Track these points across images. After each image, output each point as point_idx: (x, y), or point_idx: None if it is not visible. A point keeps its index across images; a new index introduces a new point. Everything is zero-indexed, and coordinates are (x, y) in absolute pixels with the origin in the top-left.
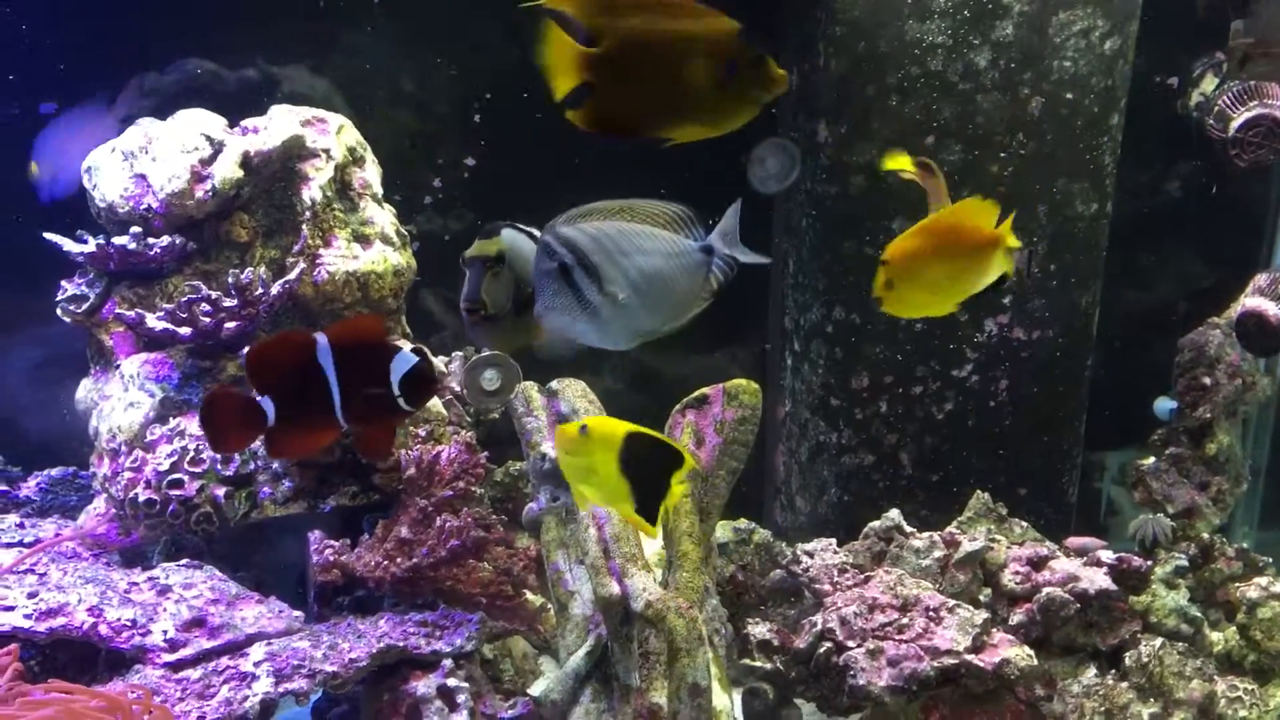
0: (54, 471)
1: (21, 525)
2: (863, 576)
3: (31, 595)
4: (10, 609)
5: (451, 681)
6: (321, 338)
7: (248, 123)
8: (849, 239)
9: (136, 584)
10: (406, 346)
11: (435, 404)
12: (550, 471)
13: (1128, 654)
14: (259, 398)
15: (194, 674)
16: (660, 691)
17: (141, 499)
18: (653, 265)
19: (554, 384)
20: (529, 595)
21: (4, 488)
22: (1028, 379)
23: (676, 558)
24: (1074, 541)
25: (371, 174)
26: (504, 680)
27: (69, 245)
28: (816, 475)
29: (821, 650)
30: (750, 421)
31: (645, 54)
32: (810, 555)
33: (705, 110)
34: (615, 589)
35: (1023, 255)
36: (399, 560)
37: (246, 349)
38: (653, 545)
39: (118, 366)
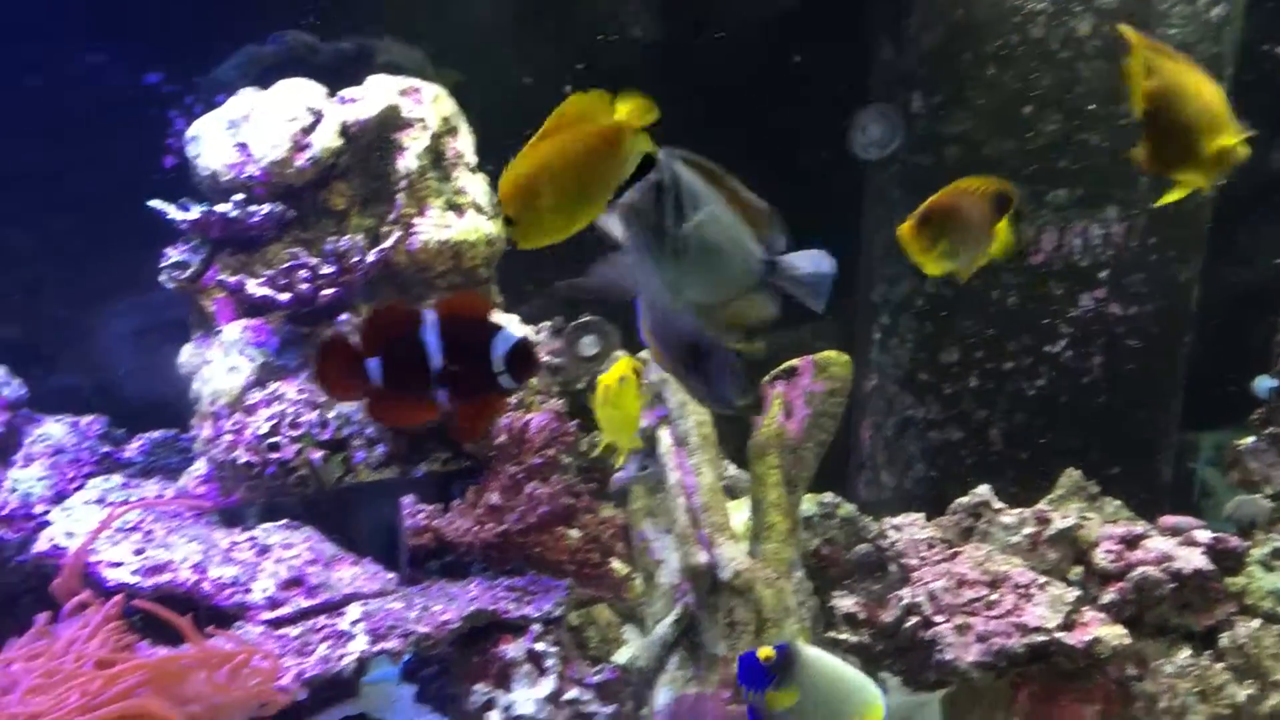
0: (156, 434)
1: (126, 485)
2: (950, 552)
3: (138, 552)
4: (118, 565)
5: (540, 646)
6: (430, 313)
7: (346, 93)
8: None
9: (237, 543)
10: (512, 320)
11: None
12: (644, 438)
13: (1223, 635)
14: (367, 361)
15: (293, 631)
16: None
17: (241, 461)
18: (721, 239)
19: (645, 353)
20: (615, 564)
21: (108, 449)
22: (1124, 355)
23: (764, 529)
24: (1168, 520)
25: (465, 143)
26: (589, 647)
27: (173, 212)
28: (903, 450)
29: (908, 624)
30: (840, 394)
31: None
32: (897, 530)
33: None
34: (703, 558)
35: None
36: (489, 526)
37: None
38: (740, 516)
39: (218, 332)
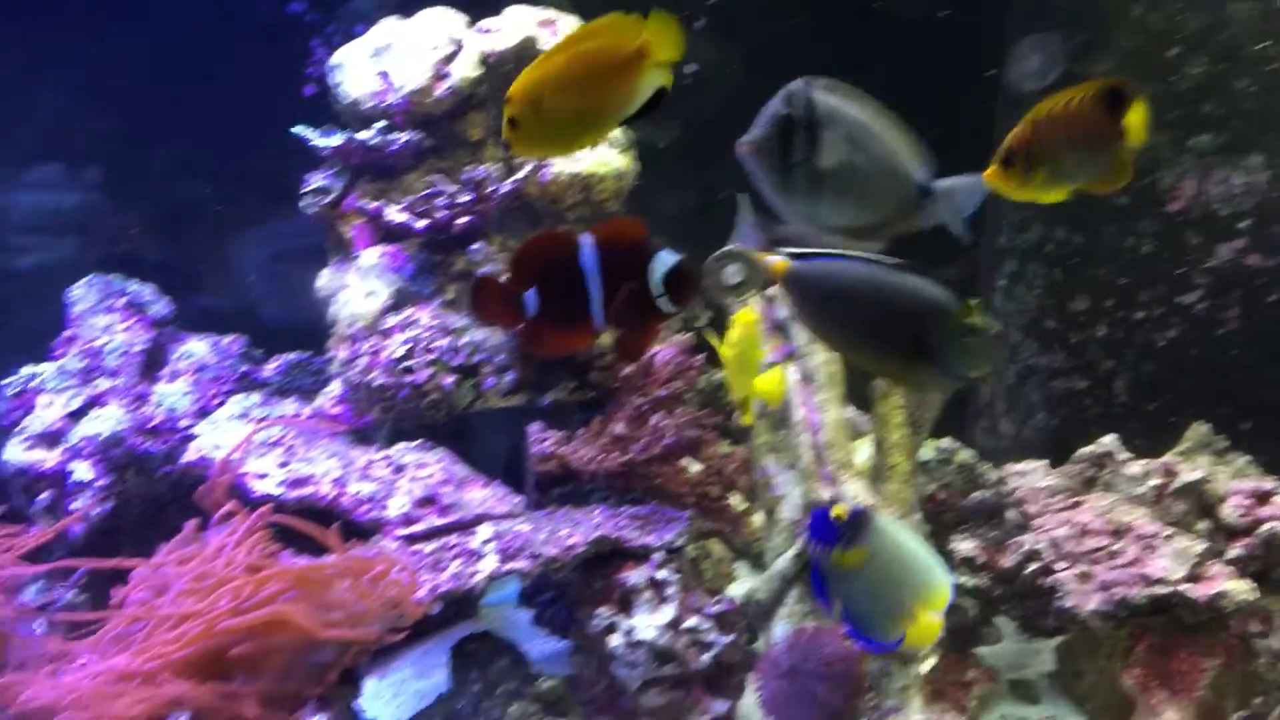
0: (291, 356)
1: (265, 403)
2: (1073, 501)
3: (282, 465)
4: (263, 477)
5: (661, 574)
6: (586, 237)
7: (485, 23)
8: None
9: (374, 461)
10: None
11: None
12: None
13: None
14: (524, 293)
15: (427, 548)
16: None
17: (377, 383)
18: (868, 168)
19: (772, 290)
20: (733, 499)
21: (247, 368)
22: (1262, 308)
23: (886, 469)
24: None
25: None
26: (704, 580)
27: (316, 139)
28: (1024, 398)
29: (1029, 570)
30: None
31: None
32: (1019, 476)
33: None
34: (826, 494)
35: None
36: (613, 455)
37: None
38: (861, 456)
39: (356, 258)
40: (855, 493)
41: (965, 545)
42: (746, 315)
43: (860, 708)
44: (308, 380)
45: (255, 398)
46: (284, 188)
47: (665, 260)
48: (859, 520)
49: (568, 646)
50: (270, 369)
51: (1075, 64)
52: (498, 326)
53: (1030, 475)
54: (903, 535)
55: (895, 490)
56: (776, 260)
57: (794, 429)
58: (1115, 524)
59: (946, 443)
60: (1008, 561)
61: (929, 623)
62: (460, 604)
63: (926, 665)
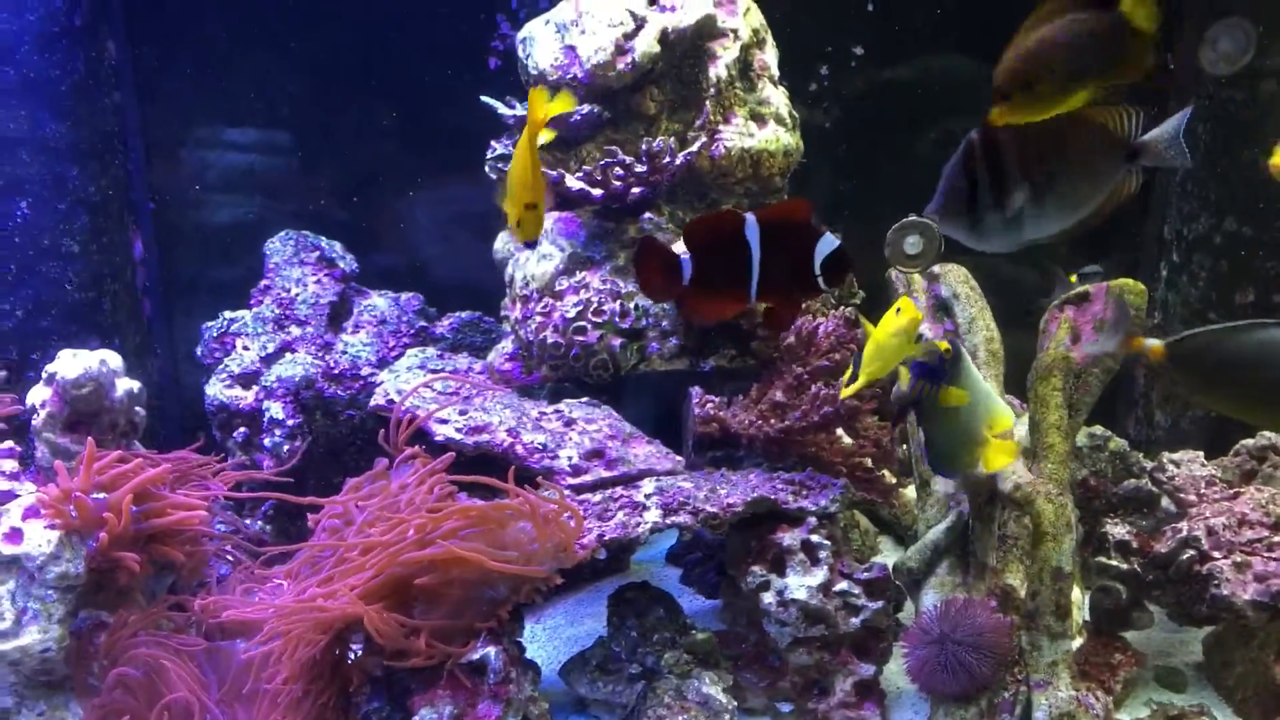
0: (464, 314)
1: (441, 356)
2: (1231, 492)
3: (462, 413)
4: (444, 422)
5: (815, 537)
6: (751, 215)
7: (665, 0)
8: (1250, 147)
9: (545, 414)
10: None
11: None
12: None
13: None
14: (682, 255)
15: (594, 498)
16: (1015, 574)
17: (549, 341)
18: (1070, 182)
19: (936, 268)
20: (885, 472)
21: (423, 324)
22: None
23: (1042, 449)
24: None
25: (770, 56)
26: (852, 548)
27: (501, 108)
28: None
29: (1184, 557)
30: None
31: None
32: (1176, 465)
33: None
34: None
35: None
36: (772, 421)
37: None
38: (1018, 434)
39: None
40: (1013, 469)
41: (1118, 530)
42: (909, 308)
43: (1006, 679)
44: (478, 338)
45: (431, 351)
46: (460, 155)
47: (829, 242)
48: (957, 357)
49: (713, 606)
50: (444, 325)
51: (1255, 55)
52: (655, 286)
53: (1186, 465)
54: (973, 371)
55: (1051, 470)
56: (1152, 344)
57: None
58: (1276, 515)
59: (1099, 430)
60: (1162, 547)
61: (1001, 444)
62: (613, 556)
63: (1076, 643)
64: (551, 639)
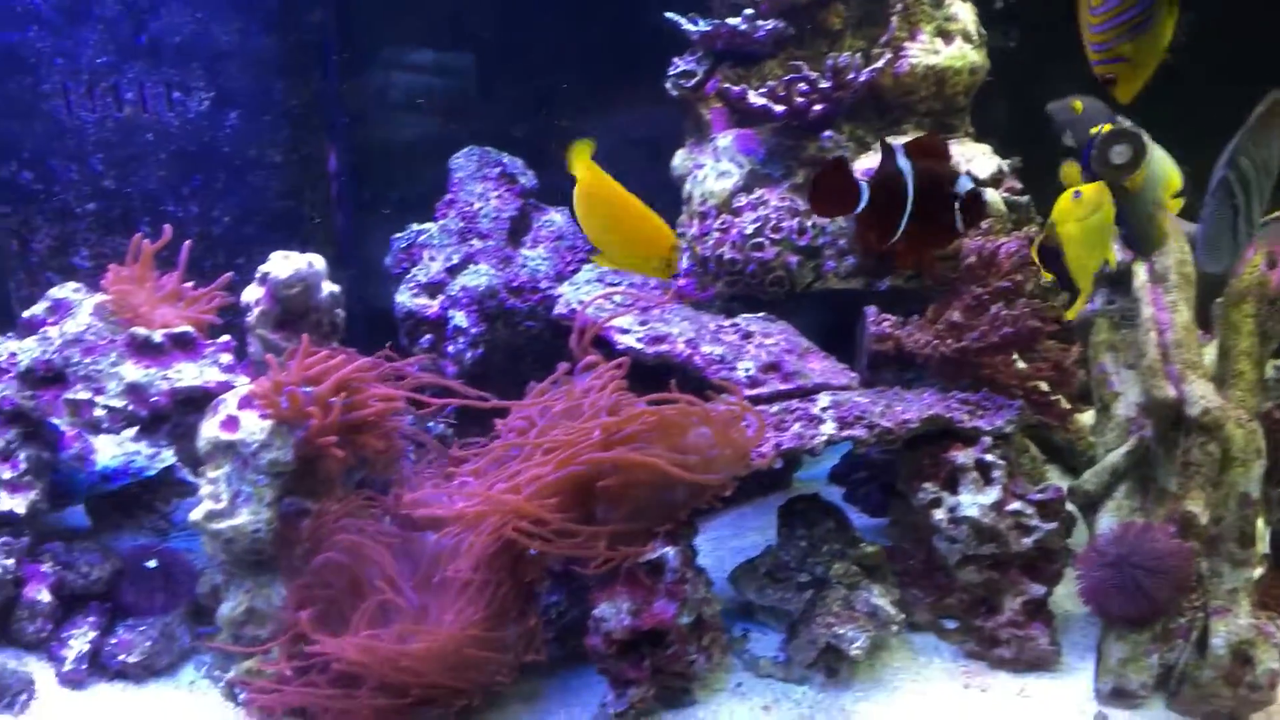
0: None
1: (616, 271)
2: None
3: (642, 323)
4: (625, 332)
5: (989, 457)
6: (900, 146)
7: None
8: None
9: (723, 327)
10: (984, 151)
11: (996, 200)
12: (1109, 274)
13: None
14: (862, 182)
15: (771, 409)
16: (1197, 501)
17: (726, 257)
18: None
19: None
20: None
21: None
22: None
23: (1231, 375)
24: None
25: None
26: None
27: (685, 24)
28: None
29: None
30: None
31: None
32: None
33: None
34: (1171, 392)
35: None
36: (949, 341)
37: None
38: (1207, 359)
39: (712, 139)
40: (1202, 393)
41: None
42: (1073, 175)
43: (1183, 605)
44: None
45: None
46: (640, 73)
47: (964, 184)
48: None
49: (876, 524)
50: None
51: None
52: (830, 211)
53: None
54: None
55: (1240, 397)
56: None
57: (1141, 327)
58: None
59: None
60: None
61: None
62: (777, 472)
63: (1257, 572)
64: (715, 549)
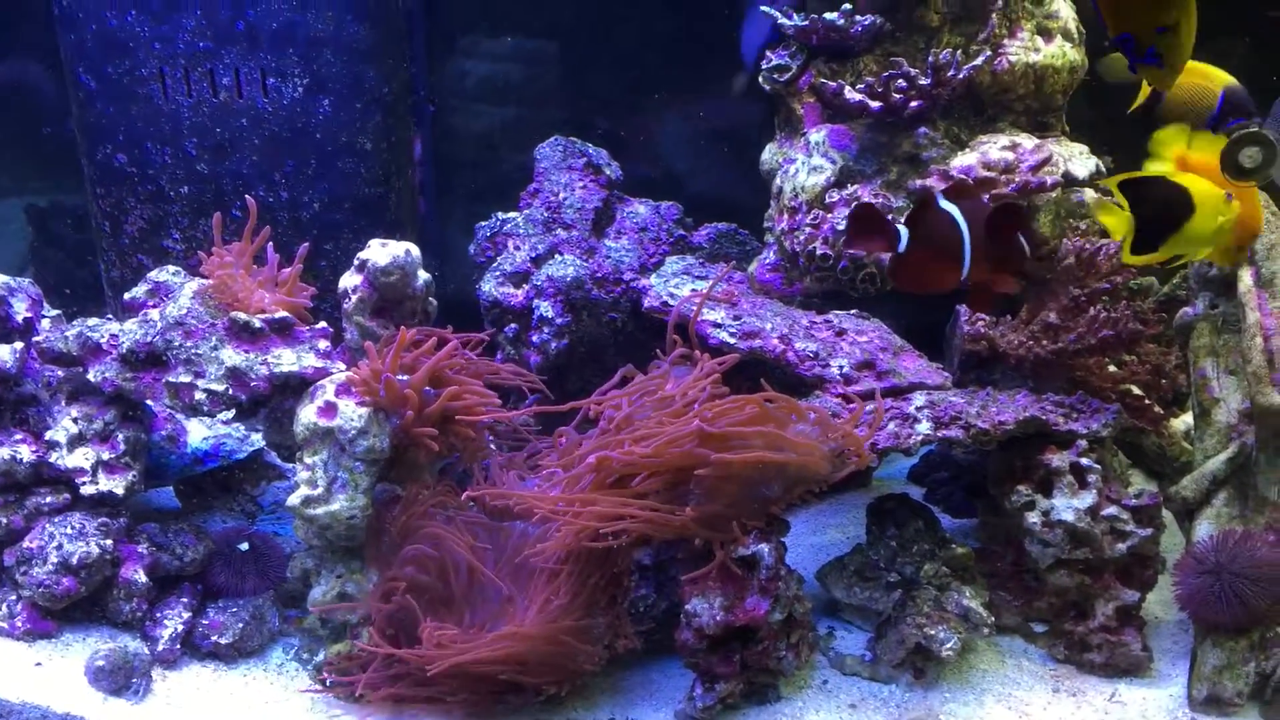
0: (720, 225)
1: (702, 264)
2: None
3: (735, 318)
4: (719, 326)
5: (1084, 460)
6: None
7: None
8: None
9: (816, 323)
10: (1082, 151)
11: (1094, 200)
12: (1212, 278)
13: None
14: (899, 224)
15: (865, 407)
16: None
17: (818, 253)
18: None
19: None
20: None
21: (681, 232)
22: None
23: None
24: None
25: None
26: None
27: (780, 18)
28: None
29: None
30: None
31: None
32: None
33: None
34: (1277, 399)
35: None
36: (1044, 343)
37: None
38: None
39: (804, 134)
40: None
41: None
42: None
43: None
44: (733, 249)
45: (690, 259)
46: (729, 67)
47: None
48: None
49: (957, 525)
50: (700, 235)
51: None
52: (863, 248)
53: None
54: None
55: None
56: None
57: (1245, 332)
58: None
59: None
60: None
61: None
62: (854, 473)
63: None
64: (794, 546)
